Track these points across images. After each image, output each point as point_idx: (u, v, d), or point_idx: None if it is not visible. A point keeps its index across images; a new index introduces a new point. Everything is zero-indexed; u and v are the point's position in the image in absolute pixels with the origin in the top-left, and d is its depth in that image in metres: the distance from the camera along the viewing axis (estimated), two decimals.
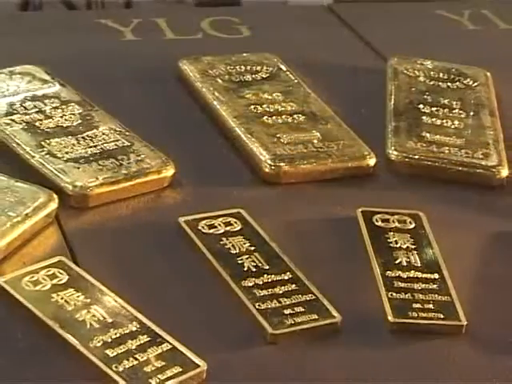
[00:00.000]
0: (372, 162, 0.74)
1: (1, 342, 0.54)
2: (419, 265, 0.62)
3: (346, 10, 1.05)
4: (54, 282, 0.57)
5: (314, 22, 1.03)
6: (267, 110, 0.78)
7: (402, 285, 0.60)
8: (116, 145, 0.70)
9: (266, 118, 0.77)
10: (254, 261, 0.61)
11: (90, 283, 0.57)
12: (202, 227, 0.63)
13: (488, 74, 0.89)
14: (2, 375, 0.51)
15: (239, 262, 0.61)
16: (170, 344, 0.53)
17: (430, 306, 0.59)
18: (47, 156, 0.68)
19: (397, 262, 0.63)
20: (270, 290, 0.58)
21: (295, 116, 0.77)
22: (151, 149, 0.70)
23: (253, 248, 0.62)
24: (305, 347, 0.55)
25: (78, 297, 0.56)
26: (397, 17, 1.06)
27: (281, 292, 0.58)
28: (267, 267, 0.60)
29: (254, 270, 0.60)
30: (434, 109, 0.81)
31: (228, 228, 0.64)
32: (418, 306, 0.59)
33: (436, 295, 0.60)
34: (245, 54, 0.87)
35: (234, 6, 1.05)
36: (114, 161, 0.68)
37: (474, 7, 1.09)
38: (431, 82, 0.86)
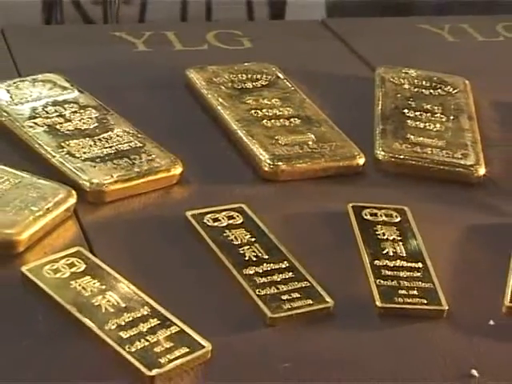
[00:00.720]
0: (361, 161, 0.74)
1: (24, 325, 0.53)
2: (404, 255, 0.62)
3: (338, 24, 1.05)
4: (73, 270, 0.57)
5: (310, 35, 1.03)
6: (266, 114, 0.78)
7: (389, 273, 0.60)
8: (129, 146, 0.70)
9: (265, 121, 0.77)
10: (254, 251, 0.61)
11: (105, 271, 0.57)
12: (207, 220, 0.63)
13: (467, 81, 0.89)
14: (25, 355, 0.51)
15: (241, 252, 0.61)
16: (178, 327, 0.53)
17: (415, 292, 0.59)
18: (67, 156, 0.68)
19: (384, 252, 0.63)
20: (268, 277, 0.58)
21: (292, 120, 0.77)
22: (161, 149, 0.70)
23: (253, 239, 0.62)
24: (300, 329, 0.55)
25: (94, 284, 0.56)
26: (384, 31, 1.05)
27: (279, 279, 0.58)
28: (266, 257, 0.60)
29: (255, 259, 0.60)
30: (417, 113, 0.81)
31: (231, 221, 0.64)
32: (404, 292, 0.59)
33: (420, 282, 0.60)
34: (246, 64, 0.86)
35: (237, 22, 1.04)
36: (127, 160, 0.68)
37: (454, 22, 1.09)
38: (415, 89, 0.86)
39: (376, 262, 0.61)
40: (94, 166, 0.67)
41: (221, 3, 2.14)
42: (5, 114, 0.73)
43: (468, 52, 1.02)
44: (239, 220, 0.64)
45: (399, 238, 0.64)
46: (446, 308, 0.58)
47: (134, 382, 0.49)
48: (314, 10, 1.39)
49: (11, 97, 0.75)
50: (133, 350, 0.50)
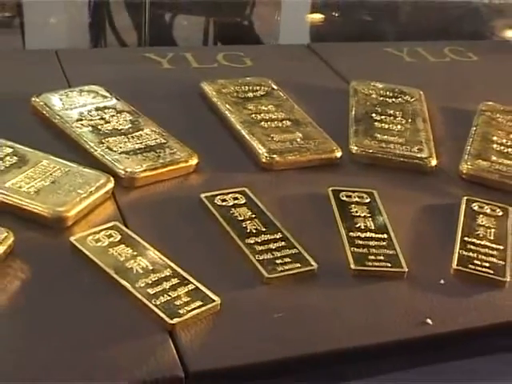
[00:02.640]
0: (339, 154, 0.73)
1: (72, 284, 0.53)
2: (373, 228, 0.62)
3: (320, 47, 1.05)
4: (110, 240, 0.56)
5: (297, 56, 1.02)
6: (264, 117, 0.77)
7: (361, 242, 0.60)
8: (155, 142, 0.69)
9: (263, 123, 0.76)
10: (254, 225, 0.60)
11: (136, 241, 0.56)
12: (217, 201, 0.63)
13: (421, 92, 0.88)
14: (72, 308, 0.51)
15: (244, 225, 0.60)
16: (194, 285, 0.52)
17: (381, 257, 0.58)
18: (106, 150, 0.67)
19: (357, 226, 0.62)
20: (265, 245, 0.58)
21: (284, 122, 0.77)
22: (180, 144, 0.69)
23: (254, 216, 0.61)
24: (291, 287, 0.55)
25: (127, 251, 0.55)
26: (357, 52, 1.05)
27: (273, 247, 0.58)
28: (264, 229, 0.60)
29: (255, 231, 0.59)
30: (382, 117, 0.81)
31: (236, 202, 0.63)
32: (373, 257, 0.58)
33: (385, 250, 0.59)
34: (247, 78, 0.86)
35: (239, 45, 1.04)
36: (154, 153, 0.67)
37: (411, 46, 1.09)
38: (381, 98, 0.85)
39: (350, 233, 0.61)
40: (128, 158, 0.66)
41: None
42: (58, 117, 0.72)
43: (422, 69, 1.01)
44: (242, 201, 0.63)
45: (369, 215, 0.63)
46: (406, 270, 0.57)
47: (158, 328, 0.49)
48: (302, 36, 1.38)
49: (63, 103, 0.74)
50: (158, 303, 0.50)
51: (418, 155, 0.74)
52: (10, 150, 0.65)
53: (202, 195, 0.63)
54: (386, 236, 0.61)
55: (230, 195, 0.64)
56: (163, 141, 0.69)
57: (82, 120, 0.71)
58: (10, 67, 0.87)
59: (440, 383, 0.53)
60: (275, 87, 0.84)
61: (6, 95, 0.77)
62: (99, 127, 0.70)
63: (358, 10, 1.37)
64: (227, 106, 0.79)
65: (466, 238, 0.61)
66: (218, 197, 0.63)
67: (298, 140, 0.73)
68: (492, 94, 0.89)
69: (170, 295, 0.51)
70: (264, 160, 0.70)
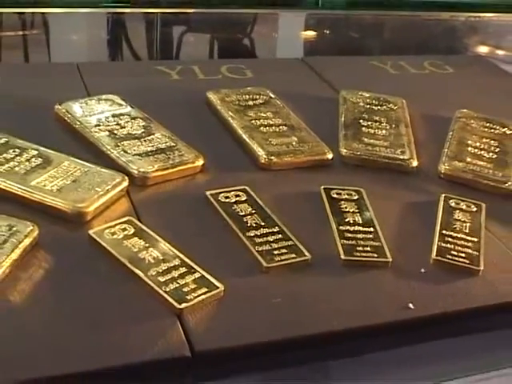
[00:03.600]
0: (330, 156, 0.72)
1: (90, 272, 0.53)
2: (360, 222, 0.61)
3: (313, 61, 1.04)
4: (125, 233, 0.56)
5: (293, 68, 1.02)
6: (263, 123, 0.76)
7: (350, 235, 0.59)
8: (166, 145, 0.69)
9: (262, 128, 0.75)
10: (254, 219, 0.60)
11: (148, 234, 0.56)
12: (221, 198, 0.62)
13: (404, 100, 0.88)
14: (91, 294, 0.50)
15: (244, 220, 0.59)
16: (200, 273, 0.52)
17: (368, 248, 0.58)
18: (121, 152, 0.66)
19: (346, 220, 0.61)
20: (264, 238, 0.57)
21: (280, 127, 0.76)
22: (188, 147, 0.69)
23: (253, 211, 0.61)
24: (287, 275, 0.55)
25: (140, 243, 0.55)
26: (346, 65, 1.04)
27: (271, 240, 0.57)
28: (263, 224, 0.59)
29: (254, 225, 0.59)
30: (369, 123, 0.80)
31: (237, 198, 0.62)
32: (360, 248, 0.58)
33: (371, 242, 0.59)
34: (248, 88, 0.85)
35: (240, 59, 1.03)
36: (164, 155, 0.67)
37: (394, 60, 1.08)
38: (367, 106, 0.85)
39: (340, 227, 0.60)
40: (141, 159, 0.66)
41: None
42: (78, 123, 0.71)
43: (404, 80, 1.01)
44: (243, 197, 0.63)
45: (357, 211, 0.63)
46: (391, 260, 0.57)
47: (168, 312, 0.48)
48: (297, 51, 1.38)
49: (83, 111, 0.74)
50: (167, 289, 0.50)
51: (401, 157, 0.73)
52: (36, 153, 0.64)
53: (207, 193, 0.63)
54: (372, 229, 0.60)
55: (233, 193, 0.63)
56: (172, 144, 0.69)
57: (99, 125, 0.71)
58: (37, 78, 0.87)
59: (420, 362, 0.53)
60: (273, 96, 0.84)
61: (32, 103, 0.77)
62: (115, 132, 0.70)
63: (346, 28, 1.36)
64: (230, 112, 0.78)
65: (444, 232, 0.61)
66: (222, 194, 0.63)
67: (294, 143, 0.73)
68: (466, 102, 0.88)
69: (178, 283, 0.50)
70: (263, 161, 0.70)
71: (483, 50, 1.40)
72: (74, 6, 0.60)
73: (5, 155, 0.63)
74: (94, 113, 0.73)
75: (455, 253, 0.59)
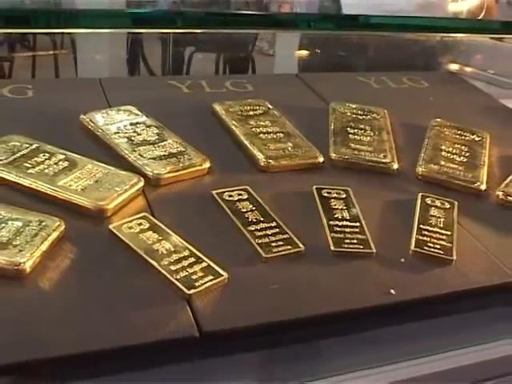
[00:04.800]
0: (321, 159, 0.71)
1: (110, 262, 0.52)
2: (348, 218, 0.61)
3: (306, 76, 1.03)
4: (141, 227, 0.55)
5: (288, 83, 1.00)
6: (262, 131, 0.75)
7: (339, 229, 0.59)
8: (177, 150, 0.68)
9: (261, 135, 0.74)
10: (254, 215, 0.59)
11: (161, 228, 0.55)
12: (225, 196, 0.61)
13: (385, 111, 0.86)
14: (110, 281, 0.50)
15: (246, 216, 0.59)
16: (207, 263, 0.51)
17: (354, 241, 0.57)
18: (138, 156, 0.66)
19: (335, 216, 0.61)
20: (263, 232, 0.57)
21: (278, 134, 0.75)
22: (196, 152, 0.68)
23: (254, 208, 0.60)
24: (283, 264, 0.54)
25: (154, 236, 0.54)
26: (335, 80, 1.03)
27: (270, 233, 0.57)
28: (262, 219, 0.58)
29: (255, 220, 0.58)
30: (355, 130, 0.79)
31: (240, 197, 0.62)
32: (348, 241, 0.57)
33: (358, 235, 0.58)
34: (249, 100, 0.84)
35: (242, 74, 1.03)
36: (175, 159, 0.66)
37: (377, 75, 1.06)
38: (354, 116, 0.84)
39: (330, 222, 0.60)
40: (155, 162, 0.65)
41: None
42: (100, 131, 0.70)
43: (386, 94, 0.99)
44: (245, 196, 0.62)
45: (345, 208, 0.62)
46: (375, 251, 0.56)
47: (178, 297, 0.48)
48: (292, 67, 1.38)
49: (104, 120, 0.73)
50: (178, 277, 0.49)
51: (383, 160, 0.73)
52: (63, 157, 0.64)
53: (213, 192, 0.62)
54: (358, 224, 0.60)
55: (235, 192, 0.62)
56: (182, 149, 0.68)
57: (119, 133, 0.70)
58: (65, 91, 0.86)
59: (401, 340, 0.52)
60: (271, 107, 0.83)
61: (60, 113, 0.76)
62: (132, 138, 0.69)
63: (335, 47, 1.36)
64: (233, 121, 0.77)
65: (421, 226, 0.61)
66: (226, 193, 0.62)
67: (289, 148, 0.72)
68: (440, 113, 0.88)
69: (187, 271, 0.50)
70: (262, 164, 0.69)
71: (454, 67, 1.39)
72: (98, 27, 0.59)
73: (36, 159, 0.63)
74: (114, 122, 0.72)
75: (431, 245, 0.58)
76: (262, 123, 0.78)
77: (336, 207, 0.62)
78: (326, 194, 0.64)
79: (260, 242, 0.55)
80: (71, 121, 0.73)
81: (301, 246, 0.56)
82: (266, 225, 0.58)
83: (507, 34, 1.30)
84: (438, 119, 0.85)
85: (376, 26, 0.73)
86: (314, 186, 0.65)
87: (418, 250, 0.57)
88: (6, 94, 0.81)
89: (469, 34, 1.21)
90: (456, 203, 0.66)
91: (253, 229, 0.57)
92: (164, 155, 0.66)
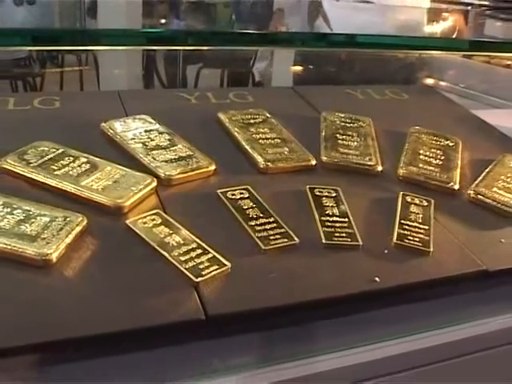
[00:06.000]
0: (314, 162, 0.70)
1: (127, 253, 0.51)
2: (338, 214, 0.60)
3: (300, 89, 1.02)
4: (154, 222, 0.54)
5: (284, 95, 0.99)
6: (261, 137, 0.74)
7: (329, 224, 0.58)
8: (186, 153, 0.67)
9: (260, 140, 0.73)
10: (254, 212, 0.58)
11: (172, 223, 0.54)
12: (229, 195, 0.61)
13: (370, 119, 0.85)
14: (127, 270, 0.49)
15: (247, 212, 0.58)
16: (212, 254, 0.50)
17: (343, 234, 0.57)
18: (151, 159, 0.65)
19: (326, 212, 0.60)
20: (262, 226, 0.56)
21: (275, 140, 0.74)
22: (203, 155, 0.67)
23: (254, 206, 0.59)
24: (280, 255, 0.53)
25: (166, 230, 0.53)
26: (326, 92, 1.02)
27: (268, 228, 0.56)
28: (261, 215, 0.58)
29: (255, 216, 0.57)
30: (344, 136, 0.78)
31: (241, 196, 0.61)
32: (337, 234, 0.56)
33: (346, 229, 0.57)
34: (250, 110, 0.83)
35: (244, 87, 1.02)
36: (184, 161, 0.65)
37: (362, 88, 1.06)
38: (342, 124, 0.83)
39: (322, 217, 0.59)
40: (166, 165, 0.64)
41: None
42: (118, 137, 0.70)
43: (370, 104, 0.98)
44: (246, 195, 0.61)
45: (335, 205, 0.61)
46: (361, 243, 0.56)
47: (187, 284, 0.47)
48: (288, 81, 1.37)
49: (122, 127, 0.72)
50: (187, 267, 0.48)
51: (369, 163, 0.72)
52: (85, 160, 0.63)
53: (218, 191, 0.61)
54: (346, 220, 0.59)
55: (238, 191, 0.61)
56: (191, 153, 0.67)
57: (135, 139, 0.69)
58: (87, 102, 0.85)
59: (384, 322, 0.52)
60: (269, 116, 0.82)
61: (83, 122, 0.75)
62: (146, 143, 0.68)
63: (325, 64, 1.35)
64: (236, 129, 0.76)
65: (402, 221, 0.60)
66: (229, 192, 0.61)
67: (285, 152, 0.71)
68: (418, 121, 0.87)
69: (195, 261, 0.49)
70: (261, 166, 0.68)
71: (430, 81, 1.39)
72: (117, 44, 0.59)
73: (62, 162, 0.62)
74: (131, 129, 0.72)
75: (411, 238, 0.57)
76: (261, 130, 0.77)
77: (327, 204, 0.61)
78: (318, 193, 0.63)
79: (259, 235, 0.54)
80: (93, 128, 0.73)
81: (296, 239, 0.55)
82: (265, 220, 0.57)
83: (475, 52, 1.29)
84: (417, 127, 0.84)
85: (362, 44, 0.72)
86: (307, 186, 0.64)
87: (399, 242, 0.56)
88: (36, 105, 0.80)
89: (442, 51, 1.21)
90: (433, 201, 0.65)
91: (253, 224, 0.56)
92: (174, 158, 0.66)
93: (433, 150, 0.78)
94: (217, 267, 0.49)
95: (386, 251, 0.56)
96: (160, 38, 0.73)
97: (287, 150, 0.72)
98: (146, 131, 0.71)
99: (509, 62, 1.57)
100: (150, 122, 0.74)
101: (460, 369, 0.53)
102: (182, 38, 0.66)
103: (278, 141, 0.75)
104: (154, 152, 0.66)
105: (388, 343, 0.50)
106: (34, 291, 0.46)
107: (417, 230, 0.59)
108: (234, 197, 0.61)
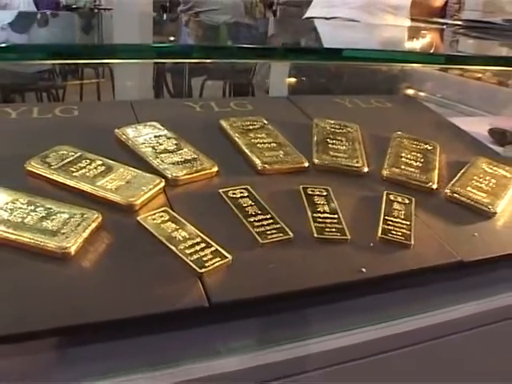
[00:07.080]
0: (306, 164, 0.70)
1: (138, 247, 0.51)
2: (328, 211, 0.59)
3: (295, 98, 1.01)
4: (162, 219, 0.54)
5: (280, 103, 0.98)
6: (259, 142, 0.74)
7: (321, 220, 0.57)
8: (191, 156, 0.66)
9: (258, 145, 0.73)
10: (253, 209, 0.57)
11: (178, 219, 0.54)
12: (230, 194, 0.60)
13: (357, 126, 0.85)
14: (138, 262, 0.48)
15: (246, 210, 0.57)
16: (215, 247, 0.50)
17: (333, 229, 0.56)
18: (160, 162, 0.64)
19: (318, 209, 0.59)
20: (260, 222, 0.55)
21: (272, 144, 0.73)
22: (207, 158, 0.66)
23: (253, 204, 0.59)
24: (277, 248, 0.53)
25: (173, 225, 0.53)
26: (317, 101, 1.01)
27: (265, 223, 0.55)
28: (259, 212, 0.57)
29: (253, 213, 0.57)
30: (334, 141, 0.77)
31: (241, 194, 0.60)
32: (328, 229, 0.56)
33: (335, 224, 0.57)
34: (249, 117, 0.82)
35: (244, 97, 1.01)
36: (190, 164, 0.64)
37: (350, 97, 1.04)
38: (332, 129, 0.82)
39: (314, 214, 0.58)
40: (174, 167, 0.63)
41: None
42: (130, 141, 0.69)
43: (357, 112, 0.97)
44: (246, 194, 0.60)
45: (325, 203, 0.61)
46: (349, 237, 0.55)
47: (192, 275, 0.47)
48: (283, 91, 1.36)
49: (134, 133, 0.71)
50: (192, 259, 0.48)
51: (356, 165, 0.71)
52: (101, 162, 0.62)
53: (220, 190, 0.61)
54: (336, 216, 0.58)
55: (238, 190, 0.61)
56: (195, 156, 0.67)
57: (145, 143, 0.68)
58: (103, 111, 0.84)
59: (369, 308, 0.51)
60: (266, 123, 0.81)
61: (99, 128, 0.74)
62: (155, 148, 0.67)
63: (317, 75, 1.34)
64: (236, 134, 0.75)
65: (386, 217, 0.59)
66: (230, 191, 0.61)
67: (281, 155, 0.70)
68: (400, 127, 0.86)
69: (199, 254, 0.49)
70: (259, 168, 0.67)
71: (410, 91, 1.38)
72: (130, 58, 0.58)
73: (79, 164, 0.61)
74: (141, 134, 0.71)
75: (394, 232, 0.57)
76: (259, 135, 0.76)
77: (318, 202, 0.61)
78: (310, 192, 0.63)
79: (258, 230, 0.54)
80: (107, 134, 0.72)
81: (290, 233, 0.54)
82: (263, 217, 0.56)
83: (450, 66, 1.28)
84: (399, 132, 0.84)
85: (350, 58, 0.71)
86: (301, 186, 0.64)
87: (383, 236, 0.56)
88: (57, 113, 0.80)
89: (421, 65, 1.20)
90: (414, 199, 0.64)
91: (252, 220, 0.56)
92: (181, 161, 0.65)
93: (413, 153, 0.77)
94: (219, 259, 0.48)
95: (371, 244, 0.55)
96: (168, 52, 0.72)
97: (282, 153, 0.72)
98: (155, 136, 0.71)
99: (479, 75, 1.57)
100: (159, 128, 0.73)
101: (437, 351, 0.53)
102: (187, 51, 0.65)
103: (274, 145, 0.74)
104: (162, 155, 0.66)
105: (373, 327, 0.49)
106: (54, 281, 0.45)
107: (399, 225, 0.58)
108: (234, 196, 0.60)
